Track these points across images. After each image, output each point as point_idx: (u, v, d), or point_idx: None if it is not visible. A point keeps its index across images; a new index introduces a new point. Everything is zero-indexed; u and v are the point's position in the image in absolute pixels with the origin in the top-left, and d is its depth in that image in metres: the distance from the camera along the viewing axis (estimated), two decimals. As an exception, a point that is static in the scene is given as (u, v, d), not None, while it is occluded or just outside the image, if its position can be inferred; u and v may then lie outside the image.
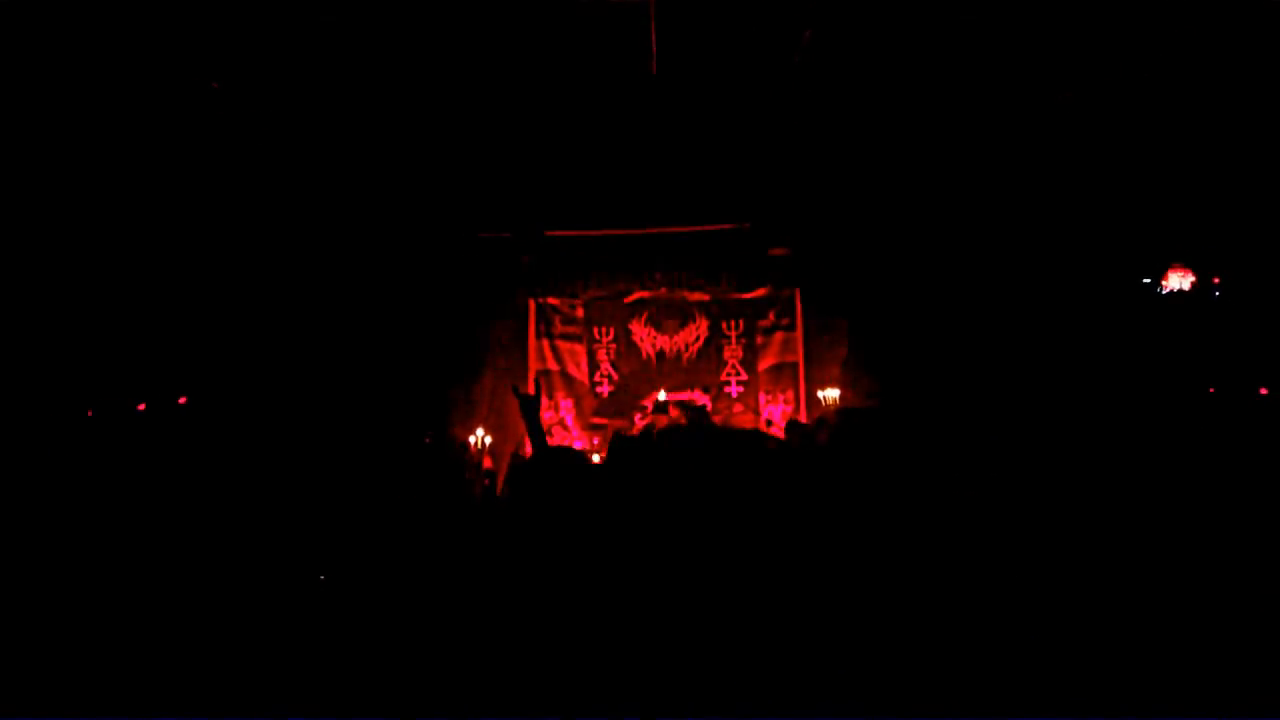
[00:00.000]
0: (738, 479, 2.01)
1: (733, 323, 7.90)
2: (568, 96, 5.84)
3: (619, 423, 7.58)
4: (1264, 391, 5.90)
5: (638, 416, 7.63)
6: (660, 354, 7.88)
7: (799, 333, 7.81)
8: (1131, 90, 5.58)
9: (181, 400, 6.09)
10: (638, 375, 7.86)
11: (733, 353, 7.88)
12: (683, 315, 7.92)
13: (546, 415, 7.72)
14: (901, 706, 1.62)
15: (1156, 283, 6.56)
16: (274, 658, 2.04)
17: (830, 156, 6.65)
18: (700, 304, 7.90)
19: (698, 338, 7.90)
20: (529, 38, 5.15)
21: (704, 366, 7.86)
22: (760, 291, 7.86)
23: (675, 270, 7.83)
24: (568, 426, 7.82)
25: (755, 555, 1.84)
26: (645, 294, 7.91)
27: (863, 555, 1.89)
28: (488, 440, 6.86)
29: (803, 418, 7.46)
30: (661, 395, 7.34)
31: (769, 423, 7.51)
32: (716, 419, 7.51)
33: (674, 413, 6.75)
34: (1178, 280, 6.48)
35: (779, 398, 7.77)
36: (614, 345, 7.93)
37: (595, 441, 7.58)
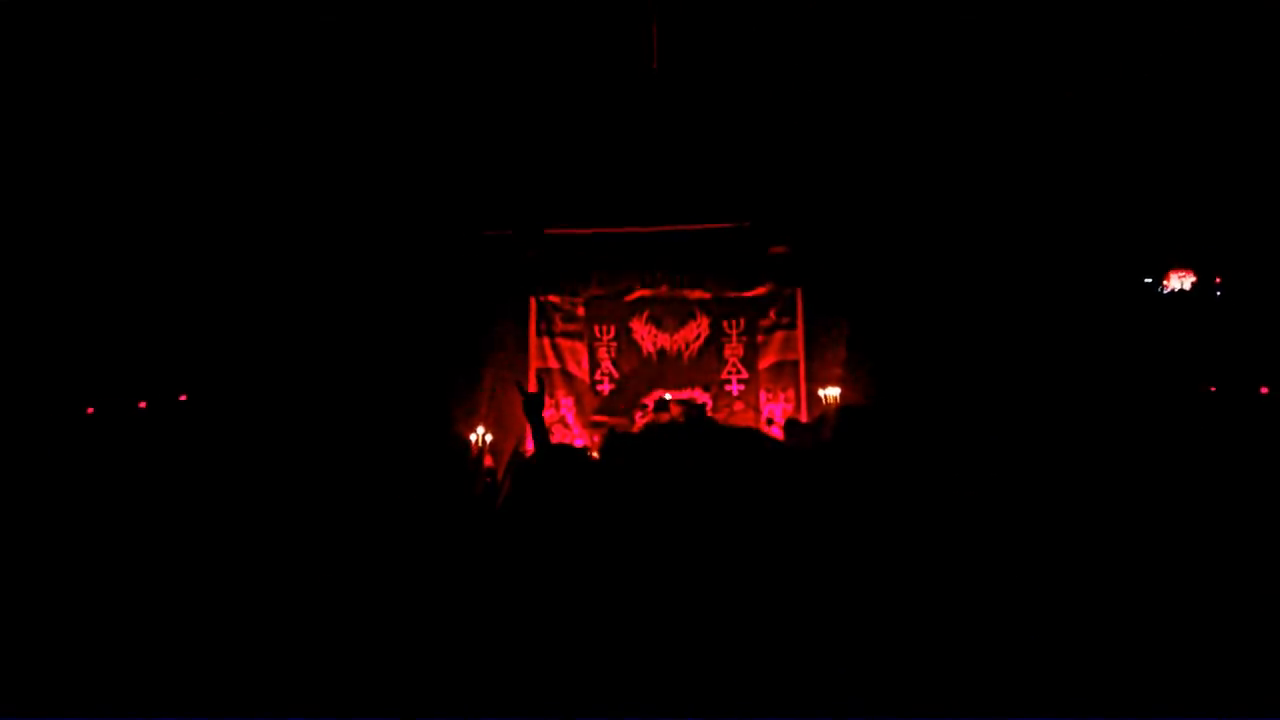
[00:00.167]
0: (733, 477, 2.01)
1: (733, 321, 7.89)
2: (568, 94, 5.84)
3: (620, 421, 7.58)
4: (1264, 391, 5.90)
5: (639, 415, 7.62)
6: (661, 352, 7.88)
7: (799, 331, 7.79)
8: (1132, 89, 5.57)
9: (182, 398, 6.09)
10: (638, 374, 7.85)
11: (733, 351, 7.87)
12: (683, 313, 7.91)
13: (547, 414, 7.70)
14: (903, 706, 1.62)
15: (1158, 282, 6.56)
16: (274, 657, 2.04)
17: (831, 155, 6.65)
18: (701, 302, 7.89)
19: (698, 336, 7.89)
20: (530, 34, 5.15)
21: (705, 365, 7.85)
22: (761, 290, 7.85)
23: (676, 268, 7.83)
24: (568, 425, 7.82)
25: (754, 554, 1.84)
26: (646, 292, 7.89)
27: (863, 554, 1.89)
28: (488, 438, 6.87)
29: (803, 416, 7.46)
30: (667, 396, 7.34)
31: (770, 421, 7.50)
32: (718, 417, 7.51)
33: (675, 410, 6.75)
34: (1178, 280, 6.48)
35: (779, 396, 7.76)
36: (615, 343, 7.92)
37: (596, 440, 7.58)
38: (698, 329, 7.90)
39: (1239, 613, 2.08)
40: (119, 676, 2.10)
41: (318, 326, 6.92)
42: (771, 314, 7.86)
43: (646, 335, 7.90)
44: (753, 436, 2.58)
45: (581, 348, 7.93)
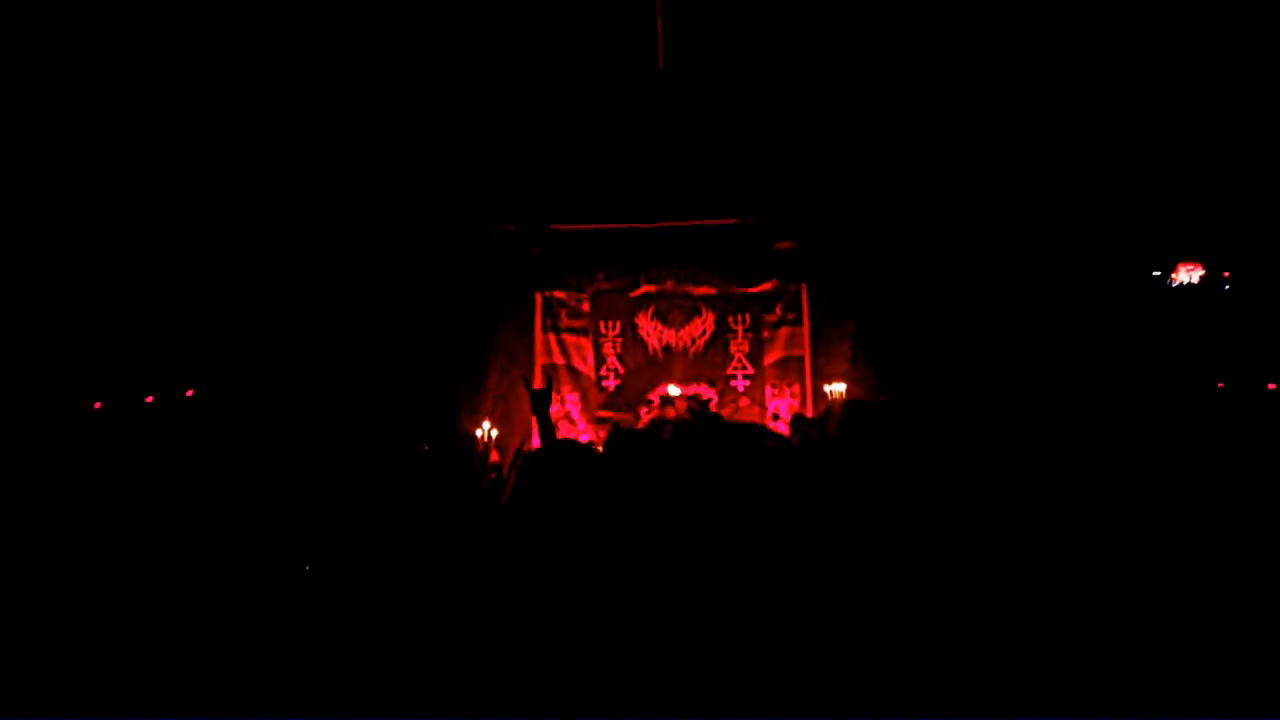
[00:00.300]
0: (738, 473, 2.01)
1: (739, 316, 7.88)
2: (575, 90, 5.84)
3: (625, 416, 7.59)
4: (1272, 387, 5.87)
5: (644, 410, 7.63)
6: (666, 348, 7.87)
7: (805, 327, 7.79)
8: (1139, 82, 5.54)
9: (189, 393, 6.11)
10: (644, 369, 7.85)
11: (739, 347, 7.86)
12: (689, 309, 7.90)
13: (553, 409, 7.70)
14: (907, 705, 1.61)
15: (1166, 276, 6.52)
16: (275, 655, 2.04)
17: (837, 150, 6.63)
18: (706, 298, 7.89)
19: (704, 332, 7.88)
20: (536, 32, 5.14)
21: (710, 360, 7.85)
22: (766, 285, 7.84)
23: (681, 264, 7.83)
24: (574, 420, 7.82)
25: (759, 550, 1.83)
26: (651, 288, 7.89)
27: (868, 549, 1.88)
28: (494, 434, 6.87)
29: (809, 411, 7.45)
30: (674, 390, 7.34)
31: (775, 417, 7.50)
32: (723, 413, 7.51)
33: (680, 405, 6.75)
34: (1187, 274, 6.44)
35: (785, 391, 7.76)
36: (620, 339, 7.92)
37: (601, 435, 7.58)
38: (703, 325, 7.89)
39: (1245, 612, 2.07)
40: (121, 675, 2.11)
41: (325, 322, 6.93)
42: (777, 309, 7.85)
43: (652, 331, 7.90)
44: (757, 432, 2.58)
45: (587, 343, 7.93)
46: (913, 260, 7.20)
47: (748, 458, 2.10)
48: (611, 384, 7.89)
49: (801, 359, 7.78)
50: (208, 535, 2.99)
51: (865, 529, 1.93)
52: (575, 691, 1.57)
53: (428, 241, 7.41)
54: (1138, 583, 2.13)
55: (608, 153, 6.61)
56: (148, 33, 4.82)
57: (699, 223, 7.56)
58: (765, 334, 7.85)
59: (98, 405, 5.44)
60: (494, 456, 6.65)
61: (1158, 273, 6.59)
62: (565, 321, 7.94)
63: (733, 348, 7.87)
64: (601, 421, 7.70)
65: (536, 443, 3.73)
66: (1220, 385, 6.13)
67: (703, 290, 7.87)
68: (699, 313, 7.90)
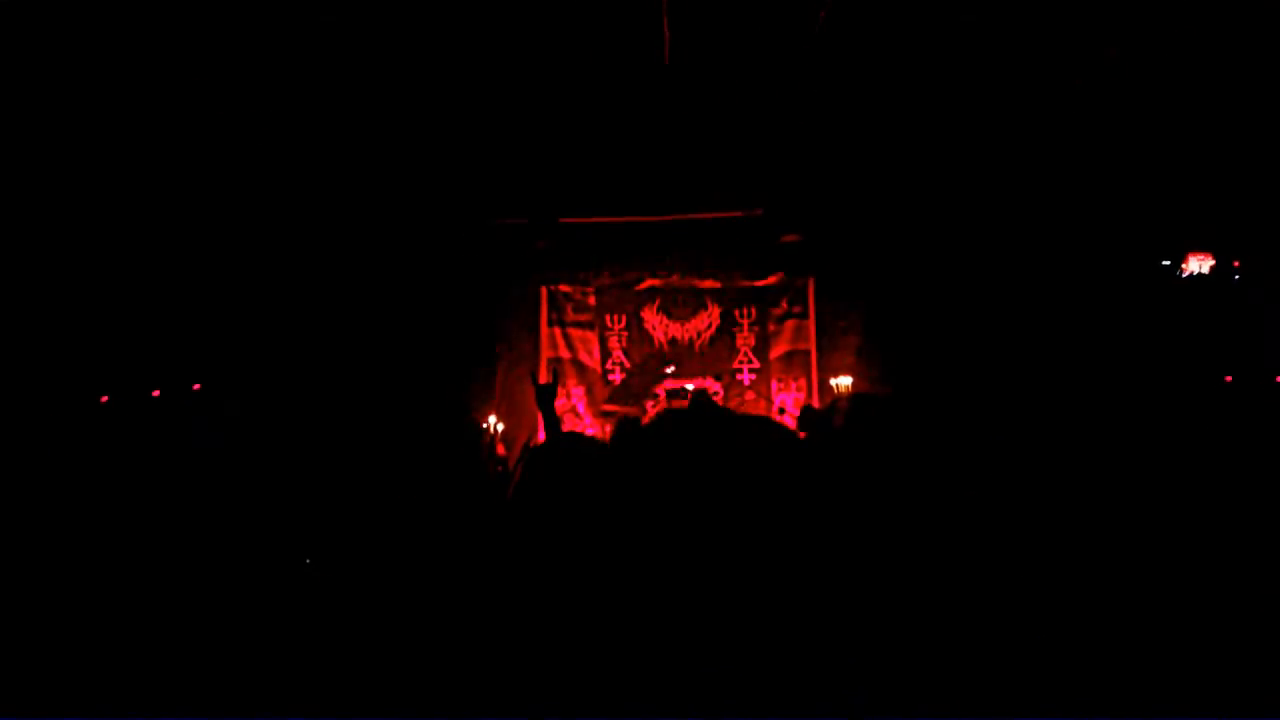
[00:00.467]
0: (744, 466, 1.99)
1: (745, 310, 7.86)
2: (581, 84, 5.82)
3: (631, 410, 7.58)
4: (1281, 379, 5.83)
5: (650, 404, 7.62)
6: (672, 341, 7.86)
7: (811, 320, 7.77)
8: (1148, 71, 5.49)
9: (195, 387, 6.13)
10: (649, 363, 7.85)
11: (745, 340, 7.85)
12: (695, 303, 7.89)
13: (558, 403, 7.72)
14: (907, 705, 1.60)
15: (1176, 266, 6.47)
16: (277, 652, 2.04)
17: (844, 142, 6.60)
18: (712, 291, 7.87)
19: (710, 325, 7.87)
20: (543, 26, 5.13)
21: (716, 354, 7.84)
22: (773, 279, 7.82)
23: (687, 258, 7.80)
24: (579, 414, 7.83)
25: (765, 544, 1.82)
26: (657, 281, 7.88)
27: (875, 544, 1.87)
28: (500, 427, 6.88)
29: (815, 405, 7.44)
30: (689, 386, 7.32)
31: (781, 410, 7.48)
32: (729, 406, 7.50)
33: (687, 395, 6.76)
34: (1197, 264, 6.39)
35: (791, 385, 7.75)
36: (626, 333, 7.91)
37: (607, 429, 7.58)
38: (709, 318, 7.88)
39: (1251, 611, 2.05)
40: (122, 672, 2.11)
41: (330, 315, 6.94)
42: (783, 303, 7.83)
43: (658, 324, 7.89)
44: (763, 425, 2.57)
45: (593, 337, 7.93)
46: (920, 253, 7.17)
47: (753, 451, 2.08)
48: (617, 378, 7.89)
49: (807, 353, 7.76)
50: (211, 525, 2.99)
51: (873, 521, 1.91)
52: (579, 687, 1.57)
53: (436, 235, 7.41)
54: (1142, 580, 2.11)
55: (615, 146, 6.59)
56: (151, 30, 4.82)
57: (705, 216, 7.55)
58: (771, 327, 7.83)
59: (104, 399, 5.46)
60: (500, 449, 6.65)
61: (1167, 262, 6.54)
62: (571, 315, 7.94)
63: (738, 341, 7.85)
64: (607, 415, 7.71)
65: (543, 436, 3.73)
66: (1229, 379, 6.09)
67: (708, 284, 7.86)
68: (705, 306, 7.88)
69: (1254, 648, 1.89)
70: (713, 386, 7.63)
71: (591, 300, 7.94)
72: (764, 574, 1.76)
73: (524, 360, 7.58)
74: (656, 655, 1.61)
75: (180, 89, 5.40)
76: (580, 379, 7.89)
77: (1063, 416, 5.50)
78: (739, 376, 7.81)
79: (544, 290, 7.91)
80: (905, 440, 2.23)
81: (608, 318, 7.93)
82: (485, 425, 6.77)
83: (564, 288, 7.92)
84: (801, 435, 4.69)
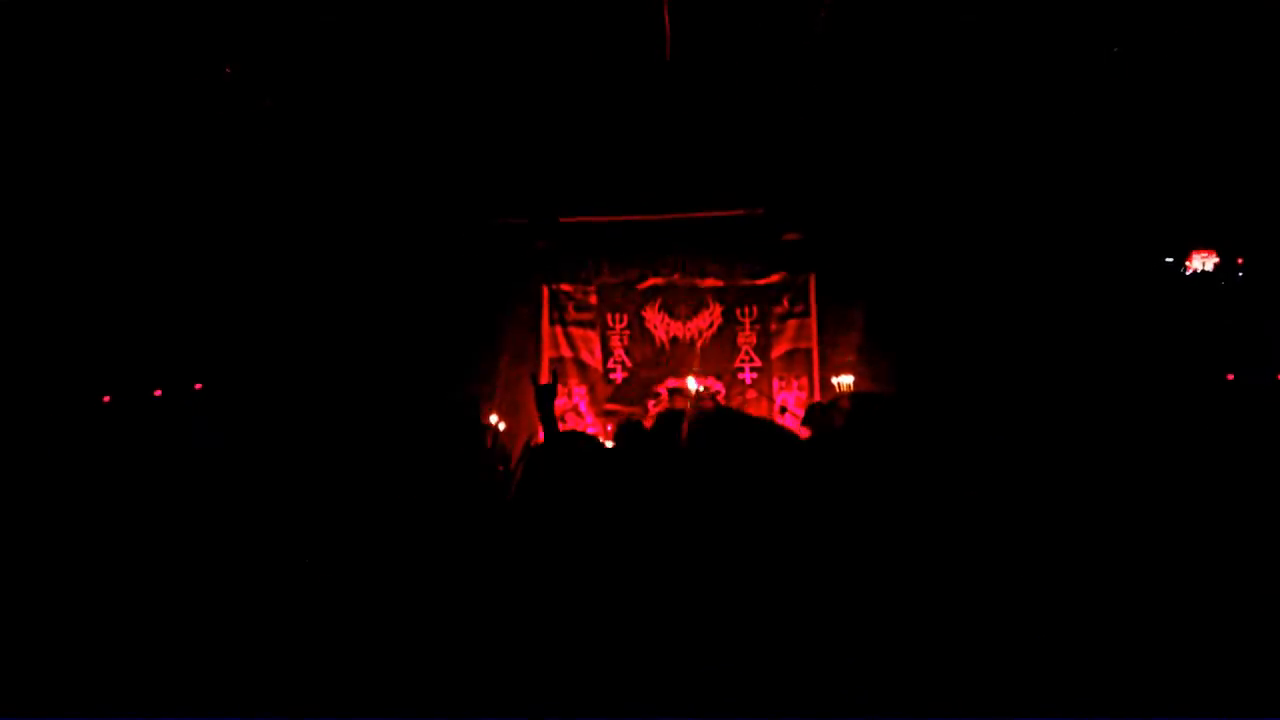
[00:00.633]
0: (745, 466, 1.99)
1: (747, 309, 7.85)
2: (582, 83, 5.82)
3: (633, 410, 7.58)
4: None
5: (651, 403, 7.62)
6: (674, 340, 7.86)
7: (813, 319, 7.76)
8: (1151, 68, 5.48)
9: (197, 386, 6.14)
10: (651, 362, 7.84)
11: (746, 339, 7.84)
12: (696, 302, 7.87)
13: (560, 402, 7.71)
14: (912, 705, 1.59)
15: (1180, 264, 6.45)
16: (277, 652, 2.04)
17: (846, 141, 6.58)
18: (714, 290, 7.86)
19: (711, 324, 7.86)
20: (544, 25, 5.13)
21: (718, 353, 7.82)
22: (774, 277, 7.81)
23: (689, 256, 7.80)
24: (581, 413, 7.82)
25: (767, 544, 1.82)
26: (659, 280, 7.87)
27: (877, 543, 1.86)
28: (501, 426, 6.87)
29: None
30: (692, 384, 7.31)
31: (783, 409, 7.48)
32: (731, 405, 7.49)
33: (693, 396, 6.75)
34: (1201, 261, 6.37)
35: (793, 384, 7.74)
36: (627, 332, 7.90)
37: (609, 428, 7.58)
38: (710, 317, 7.87)
39: (1252, 610, 2.04)
40: (124, 671, 2.11)
41: (333, 314, 6.94)
42: (785, 302, 7.82)
43: (659, 323, 7.88)
44: (765, 425, 2.56)
45: (594, 336, 7.92)
46: (922, 251, 7.15)
47: (757, 452, 2.08)
48: (619, 376, 7.88)
49: (809, 351, 7.75)
50: (214, 524, 2.99)
51: (875, 520, 1.91)
52: (579, 687, 1.56)
53: (438, 235, 7.41)
54: (1144, 579, 2.10)
55: (616, 145, 6.59)
56: (153, 30, 4.82)
57: (706, 215, 7.54)
58: (773, 326, 7.82)
59: (106, 399, 5.46)
60: (503, 446, 6.65)
61: (1171, 259, 6.52)
62: (573, 314, 7.93)
63: (740, 340, 7.84)
64: (609, 414, 7.70)
65: (543, 437, 3.72)
66: (1230, 376, 6.08)
67: (710, 282, 7.84)
68: (706, 305, 7.87)
69: (1254, 647, 1.89)
70: (714, 385, 7.62)
71: (593, 299, 7.93)
72: (765, 574, 1.75)
73: (526, 360, 7.57)
74: (657, 655, 1.61)
75: (183, 89, 5.41)
76: (582, 378, 7.89)
77: (1065, 414, 5.49)
78: (740, 375, 7.80)
79: (545, 289, 7.90)
80: (907, 439, 2.23)
81: (609, 316, 7.92)
82: (488, 425, 6.76)
83: (565, 287, 7.92)
84: (807, 432, 4.69)
